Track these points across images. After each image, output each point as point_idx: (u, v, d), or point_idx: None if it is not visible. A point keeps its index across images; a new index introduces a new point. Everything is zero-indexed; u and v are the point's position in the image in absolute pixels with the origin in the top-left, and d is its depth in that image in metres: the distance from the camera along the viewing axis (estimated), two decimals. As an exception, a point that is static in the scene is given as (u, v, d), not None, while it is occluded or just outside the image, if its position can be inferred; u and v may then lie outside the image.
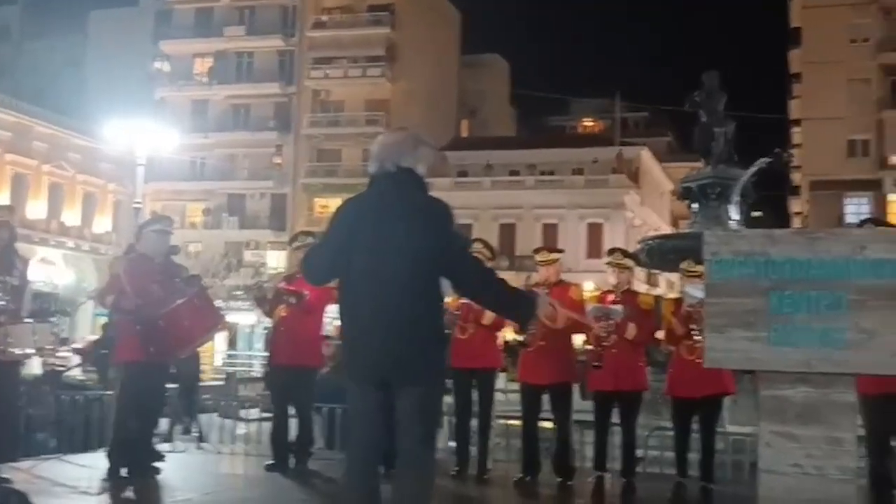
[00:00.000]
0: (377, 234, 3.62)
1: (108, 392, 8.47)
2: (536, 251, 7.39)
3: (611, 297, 6.96)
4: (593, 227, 44.87)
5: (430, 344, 3.59)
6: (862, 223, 6.83)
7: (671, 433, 7.15)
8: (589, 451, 7.43)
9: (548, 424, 7.25)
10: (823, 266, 3.16)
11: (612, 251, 7.21)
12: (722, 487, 6.50)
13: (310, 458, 7.30)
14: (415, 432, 3.52)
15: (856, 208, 38.23)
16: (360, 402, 3.61)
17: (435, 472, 3.70)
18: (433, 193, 3.83)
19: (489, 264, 7.33)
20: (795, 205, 47.51)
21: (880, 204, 39.06)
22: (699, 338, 6.14)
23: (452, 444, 7.76)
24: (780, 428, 3.20)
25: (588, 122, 65.00)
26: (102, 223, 44.64)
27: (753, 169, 8.51)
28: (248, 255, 47.43)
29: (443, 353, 3.70)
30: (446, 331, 6.75)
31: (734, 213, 7.83)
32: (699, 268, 6.07)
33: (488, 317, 6.89)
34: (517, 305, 3.90)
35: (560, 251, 7.48)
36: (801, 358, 3.17)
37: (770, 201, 47.57)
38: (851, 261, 3.14)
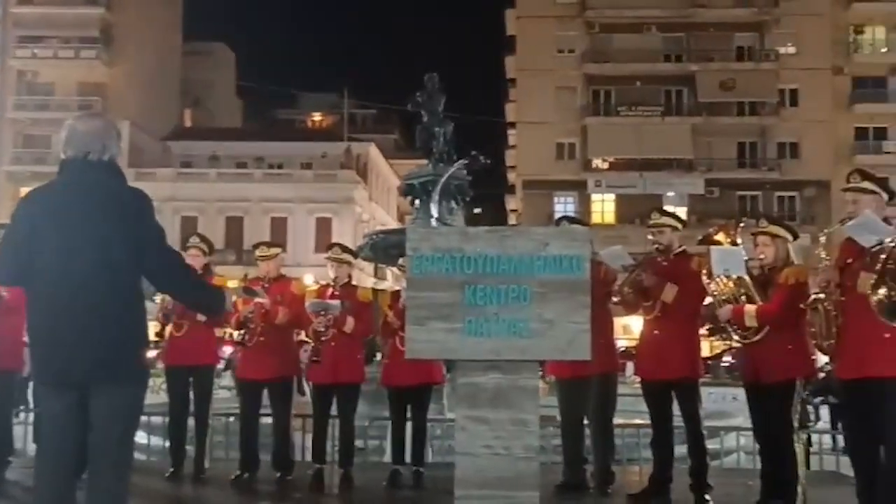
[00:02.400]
0: (68, 229, 3.44)
1: None
2: (255, 246, 7.38)
3: (329, 291, 7.07)
4: (322, 221, 45.10)
5: (127, 341, 3.47)
6: (558, 221, 7.45)
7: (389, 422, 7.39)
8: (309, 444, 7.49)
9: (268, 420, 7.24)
10: (511, 261, 3.44)
11: (330, 246, 7.34)
12: (434, 471, 6.81)
13: (8, 466, 6.77)
14: (111, 433, 3.40)
15: (563, 206, 41.36)
16: (52, 405, 3.43)
17: (130, 473, 3.59)
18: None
19: (206, 259, 7.25)
20: (512, 202, 50.53)
21: (585, 202, 42.58)
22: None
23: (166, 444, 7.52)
24: (474, 413, 3.44)
25: (317, 117, 65.14)
26: None
27: (452, 170, 9.00)
28: (-60, 250, 42.73)
29: (142, 350, 3.59)
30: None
31: (434, 211, 8.26)
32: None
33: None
34: (211, 300, 3.95)
35: (280, 245, 7.51)
36: (492, 347, 3.42)
37: (490, 198, 50.31)
38: (535, 256, 3.44)
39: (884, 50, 43.60)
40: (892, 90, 43.00)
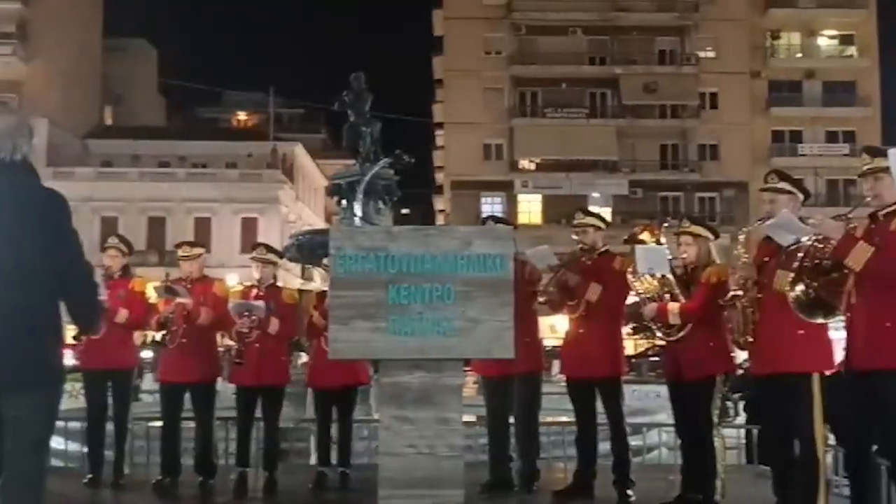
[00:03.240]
0: None
1: None
2: (178, 246, 7.24)
3: (254, 292, 6.97)
4: (248, 221, 44.55)
5: (44, 344, 3.36)
6: (484, 221, 7.49)
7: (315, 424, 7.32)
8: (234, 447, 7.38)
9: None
10: (435, 260, 3.44)
11: (255, 246, 7.25)
12: (359, 473, 6.77)
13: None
14: (25, 439, 3.29)
15: (491, 207, 41.59)
16: None
17: (45, 481, 3.48)
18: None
19: (125, 260, 7.09)
20: (440, 203, 50.66)
21: (512, 202, 42.93)
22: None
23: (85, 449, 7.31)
24: (398, 412, 3.43)
25: (242, 116, 64.26)
26: None
27: (375, 168, 8.98)
28: None
29: (58, 354, 3.48)
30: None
31: (358, 210, 8.24)
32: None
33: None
34: (94, 316, 3.72)
35: (203, 246, 7.38)
36: (417, 346, 3.42)
37: (418, 199, 50.34)
38: (459, 255, 3.45)
39: (799, 55, 45.04)
40: (806, 94, 44.41)
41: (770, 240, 5.13)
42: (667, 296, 5.75)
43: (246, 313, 6.67)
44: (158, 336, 6.90)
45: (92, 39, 51.40)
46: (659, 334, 5.91)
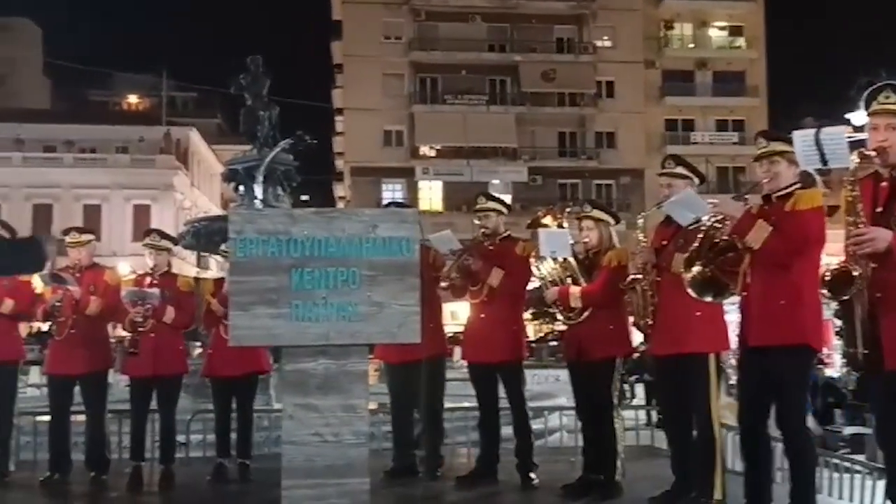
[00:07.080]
0: None
1: None
2: (66, 232, 6.92)
3: (148, 281, 6.73)
4: (140, 208, 43.32)
5: None
6: (387, 206, 7.42)
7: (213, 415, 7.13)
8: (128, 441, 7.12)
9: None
10: (339, 244, 3.35)
11: (147, 233, 6.98)
12: (259, 464, 6.63)
13: None
14: None
15: (392, 193, 41.42)
16: None
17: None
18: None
19: (8, 247, 6.72)
20: (340, 189, 50.21)
21: (412, 189, 42.84)
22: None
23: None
24: (302, 400, 3.33)
25: (133, 99, 62.21)
26: None
27: (277, 149, 8.79)
28: None
29: None
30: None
31: (259, 193, 8.07)
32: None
33: None
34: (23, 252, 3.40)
35: (92, 232, 7.07)
36: (321, 331, 3.33)
37: (317, 185, 49.74)
38: (364, 239, 3.37)
39: (691, 45, 46.31)
40: (698, 84, 45.72)
41: (668, 223, 5.23)
42: (568, 280, 5.79)
43: (140, 302, 6.43)
44: (45, 327, 6.57)
45: (-28, 18, 48.99)
46: (560, 318, 5.95)
